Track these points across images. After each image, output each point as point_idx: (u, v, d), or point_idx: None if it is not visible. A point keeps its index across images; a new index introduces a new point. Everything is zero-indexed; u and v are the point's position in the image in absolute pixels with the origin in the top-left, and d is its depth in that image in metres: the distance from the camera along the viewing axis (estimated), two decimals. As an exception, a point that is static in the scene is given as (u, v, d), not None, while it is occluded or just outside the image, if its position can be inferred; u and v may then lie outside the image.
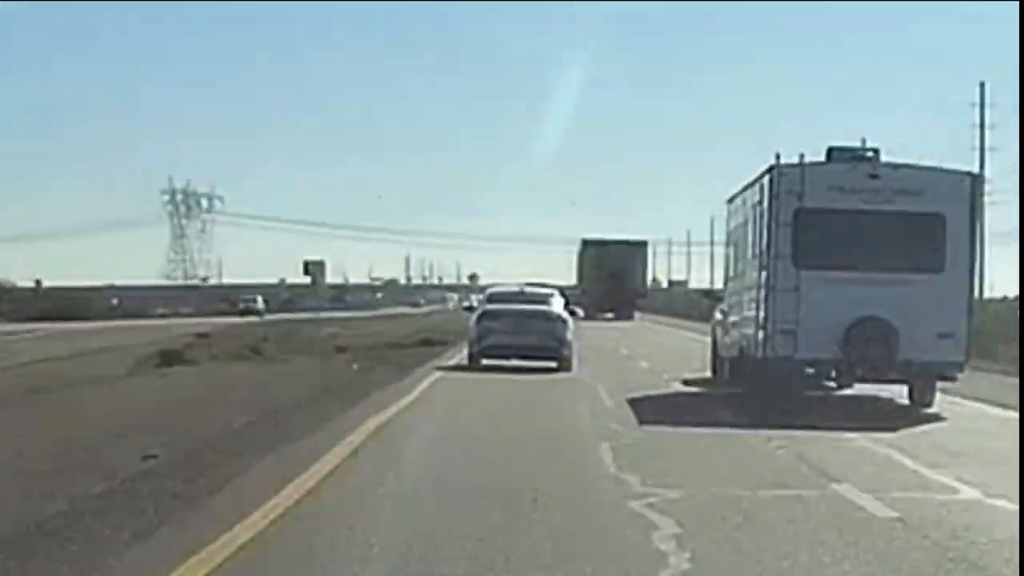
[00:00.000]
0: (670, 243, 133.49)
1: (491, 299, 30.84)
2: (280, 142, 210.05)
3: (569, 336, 29.08)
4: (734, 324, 23.18)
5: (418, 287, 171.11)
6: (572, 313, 31.90)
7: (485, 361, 28.17)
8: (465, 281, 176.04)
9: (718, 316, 25.91)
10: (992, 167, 69.66)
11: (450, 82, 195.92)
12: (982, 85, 69.97)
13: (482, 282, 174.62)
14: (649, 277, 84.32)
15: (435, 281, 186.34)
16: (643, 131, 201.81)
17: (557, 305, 30.07)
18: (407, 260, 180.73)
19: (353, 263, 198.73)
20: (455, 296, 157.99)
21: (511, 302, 30.30)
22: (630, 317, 76.06)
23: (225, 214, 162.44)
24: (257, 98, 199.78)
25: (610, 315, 75.09)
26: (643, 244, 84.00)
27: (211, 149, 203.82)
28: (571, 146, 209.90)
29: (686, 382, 25.15)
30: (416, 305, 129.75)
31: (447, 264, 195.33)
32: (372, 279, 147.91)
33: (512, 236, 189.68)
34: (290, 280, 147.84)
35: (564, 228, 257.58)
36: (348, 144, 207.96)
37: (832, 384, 21.26)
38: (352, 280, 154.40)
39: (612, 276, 77.60)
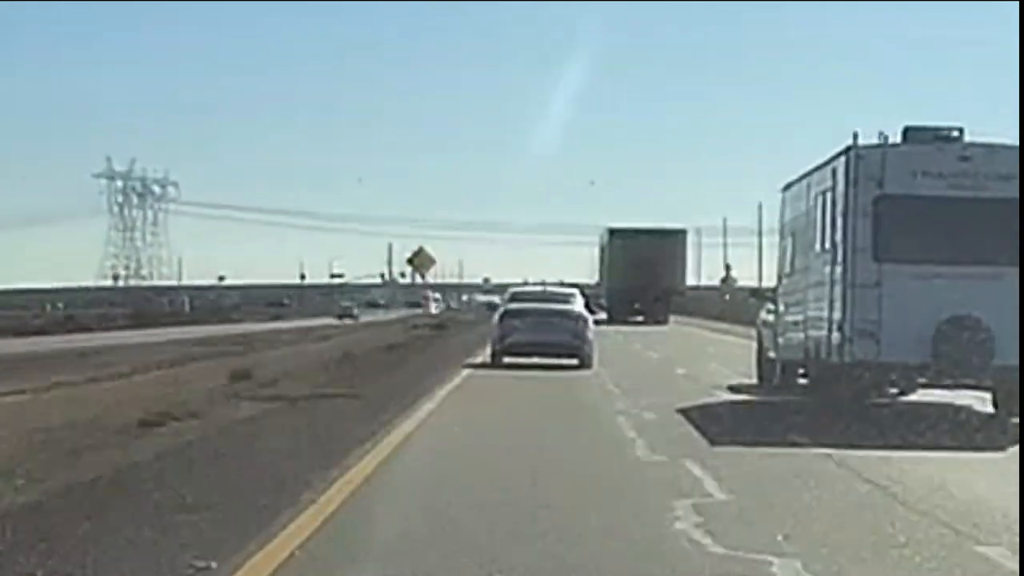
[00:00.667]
0: (699, 232, 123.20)
1: (513, 298, 33.04)
2: (241, 124, 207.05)
3: (590, 335, 31.17)
4: (794, 325, 22.27)
5: (408, 286, 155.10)
6: (592, 313, 33.94)
7: (507, 359, 30.68)
8: (469, 279, 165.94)
9: (766, 316, 25.29)
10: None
11: (445, 67, 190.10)
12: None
13: (474, 280, 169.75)
14: (689, 271, 78.48)
15: (429, 279, 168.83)
16: (668, 117, 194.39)
17: (578, 304, 32.07)
18: (389, 252, 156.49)
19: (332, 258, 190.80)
20: (436, 296, 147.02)
21: (533, 301, 32.54)
22: (663, 320, 71.22)
23: (180, 203, 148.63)
24: (221, 81, 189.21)
25: (639, 317, 71.03)
26: (680, 233, 76.45)
27: (163, 131, 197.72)
28: (587, 132, 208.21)
29: (732, 388, 24.35)
30: (348, 314, 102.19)
31: (445, 260, 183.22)
32: (332, 275, 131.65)
33: (521, 227, 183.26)
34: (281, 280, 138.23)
35: (581, 218, 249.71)
36: (322, 128, 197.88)
37: (894, 390, 20.21)
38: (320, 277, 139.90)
39: (643, 271, 70.94)
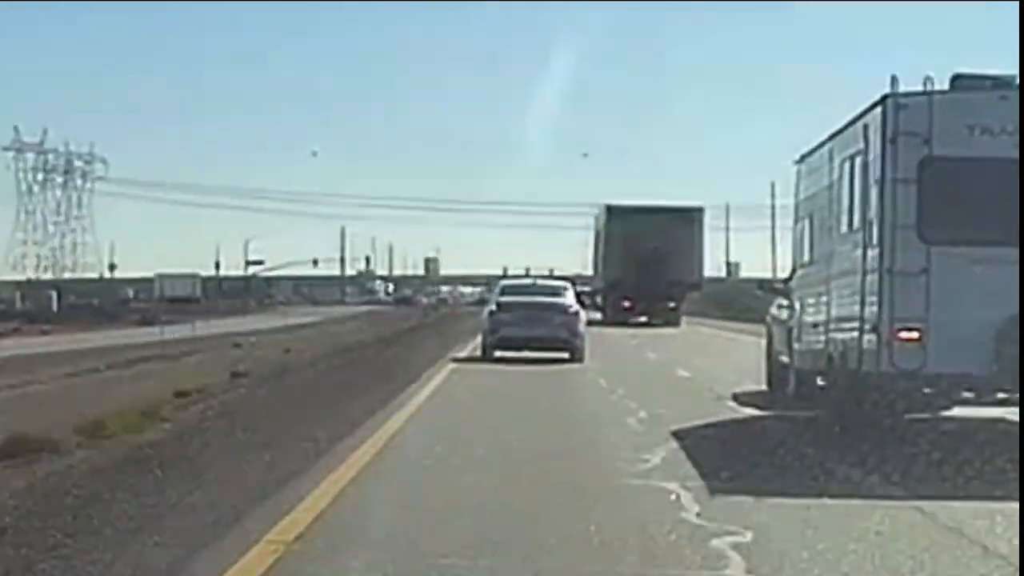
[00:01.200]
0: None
1: (504, 291, 34.14)
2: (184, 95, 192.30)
3: (581, 328, 32.57)
4: (814, 325, 19.33)
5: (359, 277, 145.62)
6: (582, 305, 34.95)
7: (497, 353, 32.35)
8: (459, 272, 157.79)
9: (778, 313, 22.74)
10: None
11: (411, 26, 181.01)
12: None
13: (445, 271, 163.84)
14: (706, 260, 68.91)
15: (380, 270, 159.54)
16: (667, 87, 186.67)
17: (570, 297, 33.35)
18: (342, 238, 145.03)
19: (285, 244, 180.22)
20: (385, 286, 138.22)
21: (524, 294, 33.51)
22: (674, 322, 63.47)
23: (110, 182, 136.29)
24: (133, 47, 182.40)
25: (643, 318, 63.53)
26: (695, 212, 66.46)
27: (88, 101, 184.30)
28: (580, 103, 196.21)
29: (736, 398, 21.96)
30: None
31: (410, 246, 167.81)
32: (249, 262, 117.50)
33: (497, 207, 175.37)
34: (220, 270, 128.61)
35: (571, 196, 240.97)
36: (277, 96, 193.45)
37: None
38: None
39: (648, 260, 62.33)
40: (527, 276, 66.82)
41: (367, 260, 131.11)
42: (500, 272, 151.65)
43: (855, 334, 16.22)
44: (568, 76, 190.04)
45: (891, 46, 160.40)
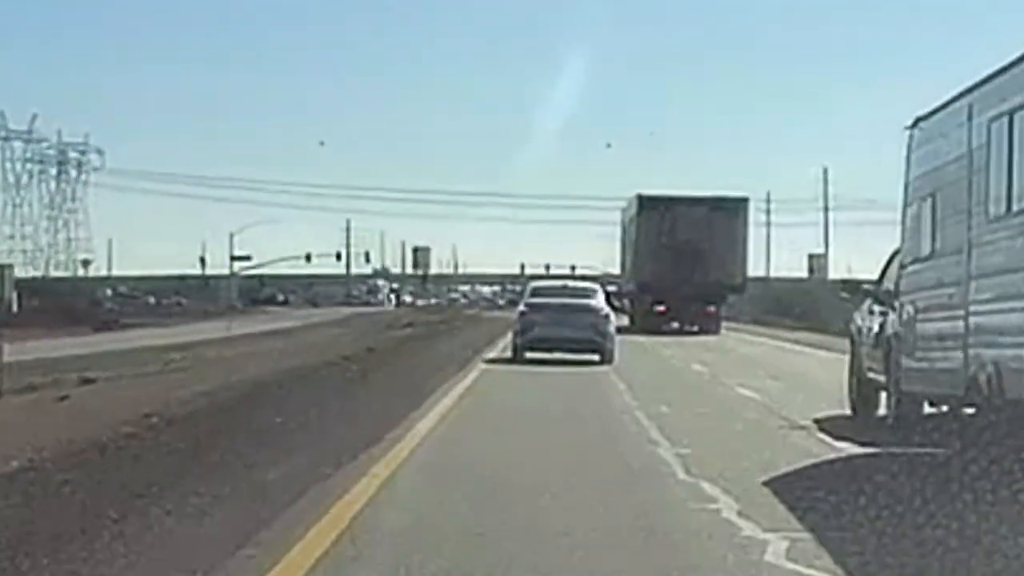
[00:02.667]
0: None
1: (535, 293, 36.28)
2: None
3: (611, 329, 34.61)
4: (940, 338, 16.14)
5: (366, 276, 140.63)
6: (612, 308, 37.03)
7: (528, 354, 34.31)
8: (445, 270, 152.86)
9: (867, 322, 20.49)
10: None
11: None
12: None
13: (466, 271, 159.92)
14: (750, 258, 64.28)
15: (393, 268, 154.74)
16: (700, 73, 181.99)
17: (600, 299, 35.36)
18: (347, 232, 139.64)
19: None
20: (385, 288, 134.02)
21: (554, 296, 35.55)
22: (714, 329, 59.73)
23: (107, 174, 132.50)
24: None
25: (676, 323, 60.12)
26: (739, 204, 62.25)
27: (83, 87, 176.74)
28: (602, 91, 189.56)
29: (819, 424, 19.48)
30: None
31: (422, 243, 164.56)
32: (234, 257, 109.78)
33: (515, 200, 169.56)
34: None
35: (594, 190, 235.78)
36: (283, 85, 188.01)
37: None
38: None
39: (685, 258, 58.78)
40: (557, 277, 68.32)
41: (366, 256, 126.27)
42: (518, 270, 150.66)
43: (1017, 350, 12.52)
44: (589, 61, 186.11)
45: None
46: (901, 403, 18.30)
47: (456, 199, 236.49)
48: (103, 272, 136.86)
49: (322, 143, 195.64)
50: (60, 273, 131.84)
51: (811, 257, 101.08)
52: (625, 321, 65.38)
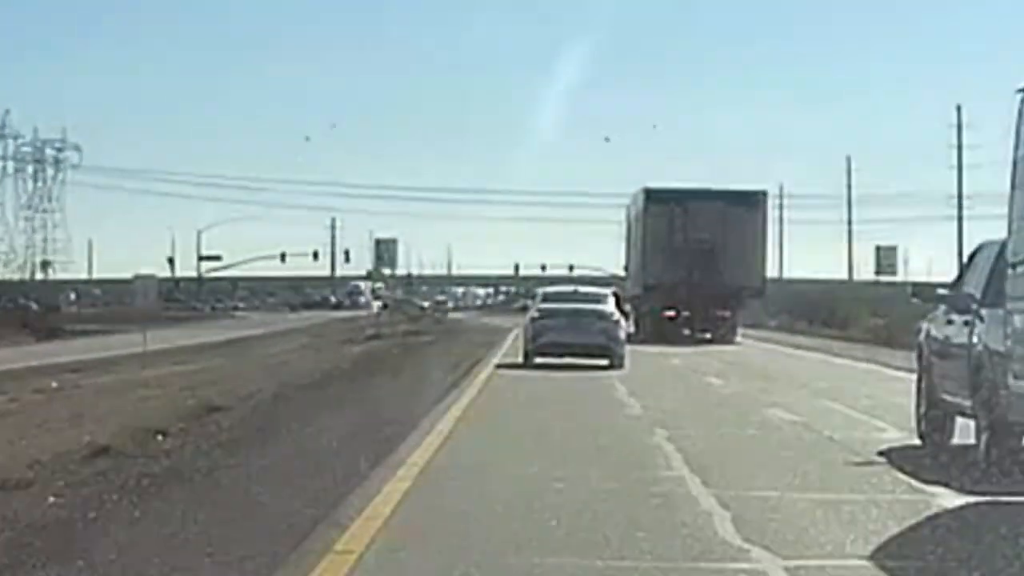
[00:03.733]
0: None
1: (546, 298, 37.80)
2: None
3: (622, 335, 36.32)
4: None
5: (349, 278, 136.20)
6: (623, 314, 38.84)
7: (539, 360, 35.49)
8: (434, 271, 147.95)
9: (945, 334, 18.05)
10: None
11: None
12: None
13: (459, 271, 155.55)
14: (769, 257, 61.29)
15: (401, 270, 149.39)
16: (700, 56, 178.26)
17: (611, 304, 36.80)
18: (332, 230, 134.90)
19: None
20: (367, 290, 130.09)
21: (565, 301, 36.94)
22: (729, 336, 56.36)
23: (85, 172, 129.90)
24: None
25: (686, 330, 56.68)
26: (757, 197, 59.08)
27: (59, 81, 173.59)
28: (599, 80, 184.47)
29: (891, 458, 16.95)
30: None
31: (413, 242, 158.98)
32: (202, 256, 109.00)
33: (509, 197, 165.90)
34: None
35: (589, 186, 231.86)
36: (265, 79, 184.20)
37: None
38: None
39: (698, 258, 55.56)
40: (565, 280, 68.29)
41: (346, 255, 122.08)
42: (512, 270, 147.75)
43: None
44: (587, 51, 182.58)
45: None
46: (997, 434, 15.61)
47: (448, 196, 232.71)
48: (83, 275, 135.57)
49: (308, 139, 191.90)
50: (38, 276, 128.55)
51: (879, 251, 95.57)
52: (630, 328, 62.68)
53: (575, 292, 39.08)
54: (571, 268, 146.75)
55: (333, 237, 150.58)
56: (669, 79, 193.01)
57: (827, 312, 64.14)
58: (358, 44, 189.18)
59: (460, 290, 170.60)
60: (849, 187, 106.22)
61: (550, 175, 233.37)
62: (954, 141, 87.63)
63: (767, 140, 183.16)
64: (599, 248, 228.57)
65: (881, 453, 17.65)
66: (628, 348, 37.09)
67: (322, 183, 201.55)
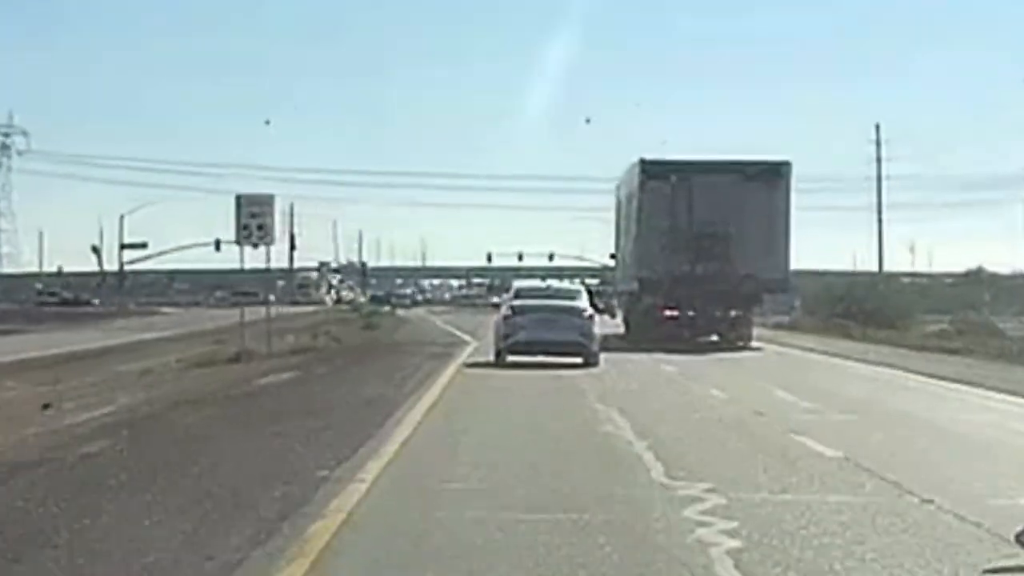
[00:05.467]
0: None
1: (518, 295, 38.48)
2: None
3: (596, 331, 37.17)
4: None
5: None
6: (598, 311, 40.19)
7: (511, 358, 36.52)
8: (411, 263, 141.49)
9: None
10: None
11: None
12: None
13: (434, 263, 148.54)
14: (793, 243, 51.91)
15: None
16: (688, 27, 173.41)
17: (584, 300, 37.91)
18: (291, 217, 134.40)
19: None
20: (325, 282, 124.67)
21: (538, 298, 37.76)
22: (744, 339, 49.81)
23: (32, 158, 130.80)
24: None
25: (686, 332, 49.45)
26: (779, 169, 50.86)
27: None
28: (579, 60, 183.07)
29: None
30: None
31: (383, 232, 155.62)
32: (125, 245, 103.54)
33: (483, 182, 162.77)
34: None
35: (567, 170, 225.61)
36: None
37: None
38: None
39: (706, 243, 48.61)
40: (547, 273, 71.04)
41: (291, 242, 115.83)
42: (484, 260, 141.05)
43: None
44: (567, 28, 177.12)
45: None
46: None
47: (418, 182, 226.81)
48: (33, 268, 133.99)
49: (268, 122, 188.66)
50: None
51: (899, 242, 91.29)
52: (617, 327, 56.60)
53: (548, 288, 40.14)
54: (551, 257, 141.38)
55: (291, 224, 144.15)
56: (655, 61, 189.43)
57: (863, 310, 56.04)
58: (319, 26, 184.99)
59: (435, 281, 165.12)
60: (879, 161, 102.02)
61: (527, 160, 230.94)
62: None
63: (765, 120, 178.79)
64: (581, 236, 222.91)
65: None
66: (620, 357, 37.19)
67: (279, 168, 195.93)
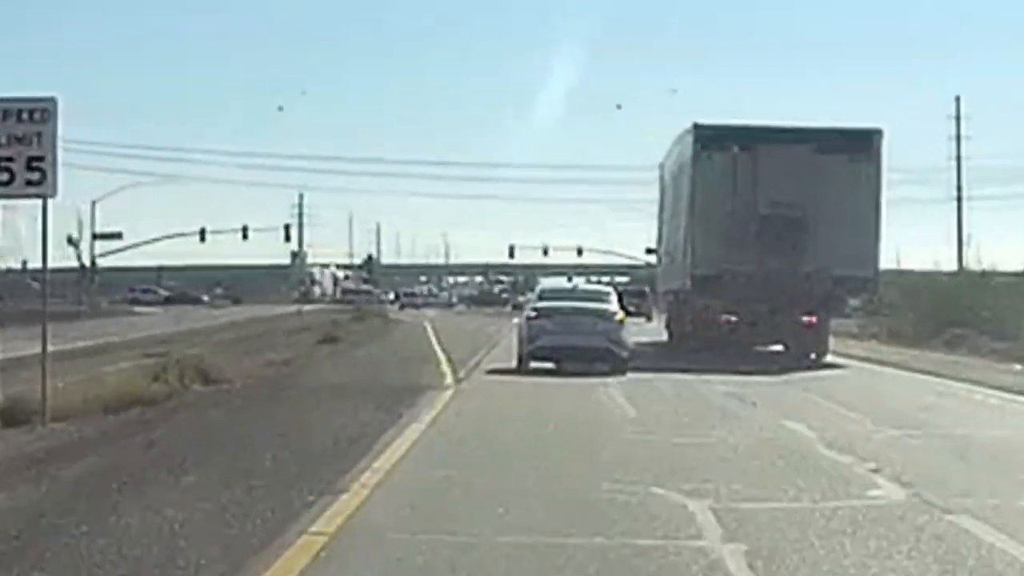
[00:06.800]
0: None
1: (542, 296, 38.59)
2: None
3: (626, 337, 36.20)
4: None
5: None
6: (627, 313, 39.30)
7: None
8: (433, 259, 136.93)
9: None
10: None
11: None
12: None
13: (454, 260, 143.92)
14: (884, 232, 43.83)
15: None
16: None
17: (614, 303, 37.02)
18: (299, 208, 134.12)
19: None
20: (327, 279, 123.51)
21: (564, 299, 37.42)
22: (820, 351, 41.76)
23: None
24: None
25: (754, 340, 42.45)
26: (870, 137, 42.57)
27: None
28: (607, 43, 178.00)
29: None
30: None
31: (403, 225, 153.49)
32: (97, 235, 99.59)
33: (506, 171, 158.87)
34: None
35: (596, 159, 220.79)
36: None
37: None
38: None
39: (777, 230, 40.56)
40: (568, 277, 68.24)
41: (286, 233, 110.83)
42: (507, 255, 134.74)
43: None
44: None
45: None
46: None
47: (438, 173, 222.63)
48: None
49: (280, 108, 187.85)
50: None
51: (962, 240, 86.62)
52: (656, 333, 51.61)
53: (575, 289, 41.00)
54: (579, 252, 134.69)
55: (300, 216, 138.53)
56: (683, 45, 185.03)
57: (979, 317, 48.17)
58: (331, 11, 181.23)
59: (461, 279, 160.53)
60: (959, 139, 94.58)
61: (553, 150, 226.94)
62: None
63: (797, 108, 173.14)
64: (610, 229, 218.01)
65: None
66: (663, 379, 32.68)
67: (290, 156, 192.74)
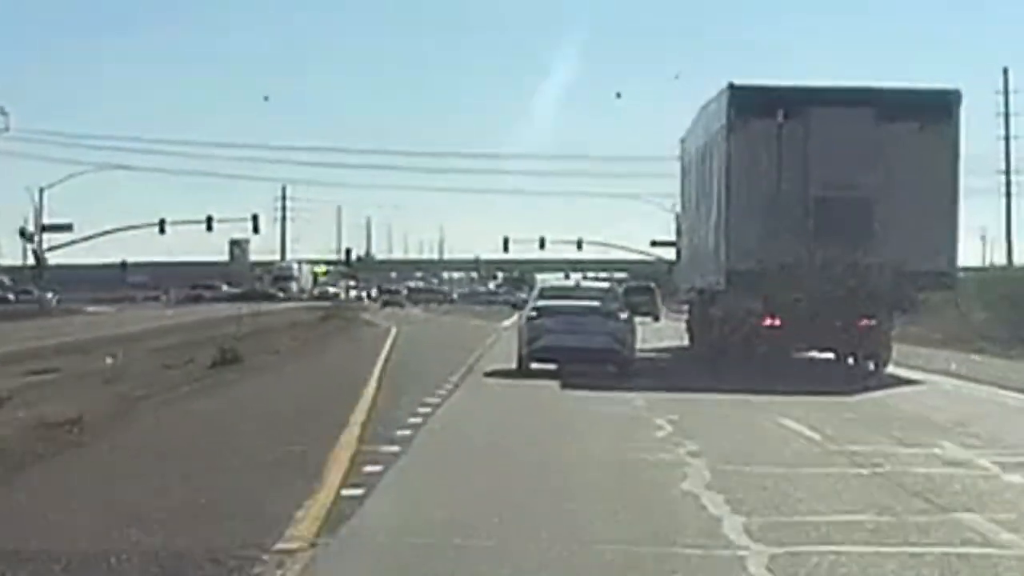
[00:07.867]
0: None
1: (543, 295, 38.14)
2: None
3: (631, 337, 36.06)
4: None
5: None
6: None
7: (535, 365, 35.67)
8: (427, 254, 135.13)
9: None
10: None
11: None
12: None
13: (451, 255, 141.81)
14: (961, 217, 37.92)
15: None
16: None
17: (618, 302, 37.76)
18: (283, 200, 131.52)
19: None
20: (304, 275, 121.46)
21: (566, 298, 37.01)
22: (881, 360, 36.40)
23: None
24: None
25: (807, 347, 37.51)
26: (948, 99, 36.60)
27: None
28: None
29: None
30: None
31: (395, 220, 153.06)
32: (45, 226, 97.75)
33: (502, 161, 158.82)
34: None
35: (595, 149, 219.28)
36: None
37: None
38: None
39: (832, 217, 34.42)
40: (566, 273, 66.78)
41: (254, 224, 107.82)
42: (501, 249, 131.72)
43: None
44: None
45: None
46: None
47: (430, 164, 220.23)
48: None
49: (266, 98, 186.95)
50: None
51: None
52: (668, 336, 50.47)
53: (577, 286, 40.23)
54: (579, 245, 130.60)
55: (283, 210, 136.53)
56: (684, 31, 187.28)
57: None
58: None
59: (457, 275, 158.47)
60: (1007, 116, 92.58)
61: (551, 139, 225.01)
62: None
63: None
64: (613, 220, 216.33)
65: None
66: (702, 397, 28.60)
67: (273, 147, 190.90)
